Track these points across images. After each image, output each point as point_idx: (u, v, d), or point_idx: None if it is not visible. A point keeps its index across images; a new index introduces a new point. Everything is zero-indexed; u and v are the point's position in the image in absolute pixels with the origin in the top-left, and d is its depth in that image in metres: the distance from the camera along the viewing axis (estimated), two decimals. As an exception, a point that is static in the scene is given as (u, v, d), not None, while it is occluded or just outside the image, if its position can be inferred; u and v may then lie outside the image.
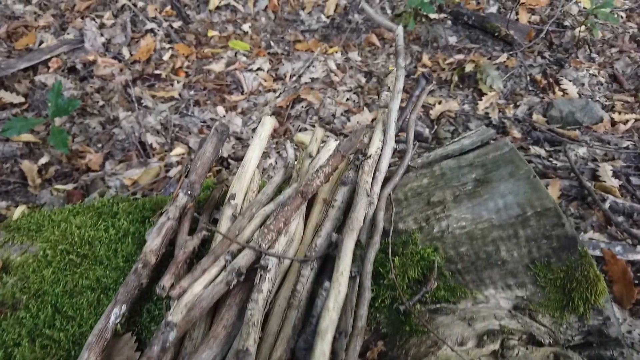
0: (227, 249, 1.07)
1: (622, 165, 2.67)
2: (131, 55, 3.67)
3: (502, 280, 1.07)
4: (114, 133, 2.99)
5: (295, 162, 1.45)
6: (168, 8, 4.07)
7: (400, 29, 1.50)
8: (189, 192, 1.22)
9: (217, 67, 3.54)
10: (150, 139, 2.90)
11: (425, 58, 3.58)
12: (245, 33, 3.92)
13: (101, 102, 3.17)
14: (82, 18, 3.90)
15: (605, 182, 2.52)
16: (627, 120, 3.02)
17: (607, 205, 2.36)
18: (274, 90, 3.38)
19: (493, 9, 3.85)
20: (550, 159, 2.73)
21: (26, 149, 2.82)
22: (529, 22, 3.76)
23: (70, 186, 2.50)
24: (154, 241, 1.10)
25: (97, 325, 0.96)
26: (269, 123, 1.43)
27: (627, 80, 3.39)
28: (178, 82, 3.42)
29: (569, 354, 0.93)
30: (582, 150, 2.78)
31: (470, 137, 1.33)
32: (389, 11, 4.00)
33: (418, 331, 1.00)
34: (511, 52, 3.50)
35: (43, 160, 2.72)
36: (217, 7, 4.13)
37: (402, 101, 1.42)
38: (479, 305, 1.04)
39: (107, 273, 1.16)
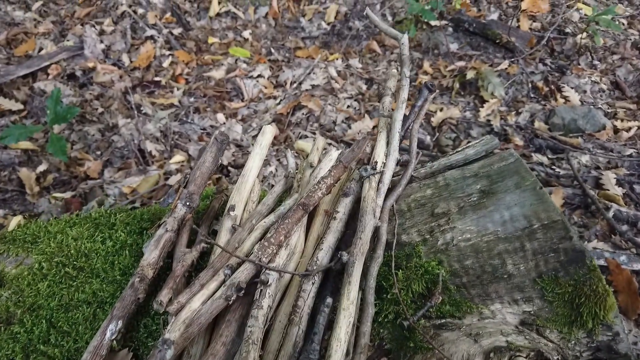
0: (226, 263, 1.04)
1: (626, 173, 2.65)
2: (131, 62, 3.66)
3: (509, 294, 1.05)
4: (113, 140, 2.96)
5: (296, 172, 1.43)
6: (168, 15, 4.06)
7: (405, 38, 1.48)
8: (188, 203, 1.19)
9: (218, 74, 3.53)
10: (150, 146, 2.88)
11: (427, 65, 3.57)
12: (246, 40, 3.91)
13: (100, 109, 3.15)
14: (82, 25, 3.89)
15: (608, 190, 2.49)
16: (630, 128, 3.00)
17: (611, 213, 2.34)
18: (275, 97, 3.37)
19: (494, 16, 3.84)
20: (553, 167, 2.71)
21: (24, 157, 2.79)
22: (530, 29, 3.74)
23: (68, 194, 2.47)
24: (151, 254, 1.07)
25: (92, 341, 0.93)
26: (269, 132, 1.40)
27: (630, 87, 3.37)
28: (178, 89, 3.40)
29: (578, 372, 0.91)
30: (585, 158, 2.76)
31: (474, 146, 1.30)
32: (389, 18, 3.99)
33: (423, 347, 0.97)
34: (512, 59, 3.49)
35: (41, 167, 2.70)
36: (218, 14, 4.12)
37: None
38: (485, 320, 1.02)
39: (103, 286, 1.13)
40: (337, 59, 3.67)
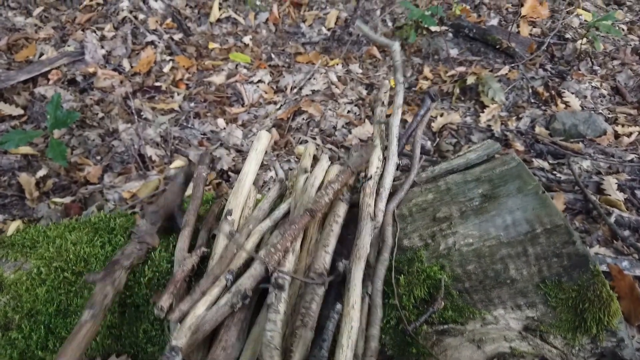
0: (226, 269, 1.03)
1: (627, 178, 2.64)
2: (131, 67, 3.66)
3: (512, 300, 1.04)
4: (113, 145, 2.96)
5: (287, 180, 1.42)
6: (169, 20, 4.07)
7: (397, 45, 1.48)
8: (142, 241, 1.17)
9: (218, 79, 3.53)
10: (150, 151, 2.87)
11: (427, 70, 3.57)
12: (246, 45, 3.91)
13: (101, 114, 3.15)
14: (83, 30, 3.89)
15: (610, 195, 2.48)
16: (631, 133, 3.00)
17: (612, 219, 2.32)
18: (275, 103, 3.36)
19: (494, 22, 3.84)
20: (554, 172, 2.70)
21: (24, 162, 2.79)
22: (530, 34, 3.75)
23: (68, 199, 2.46)
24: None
25: None
26: (264, 137, 1.40)
27: (630, 92, 3.37)
28: (178, 94, 3.40)
29: (583, 378, 0.90)
30: (586, 163, 2.75)
31: (475, 151, 1.30)
32: (390, 24, 4.00)
33: (425, 353, 0.96)
34: (513, 65, 3.49)
35: (41, 172, 2.69)
36: (218, 20, 4.13)
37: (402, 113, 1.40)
38: (488, 326, 1.01)
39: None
40: (337, 64, 3.67)
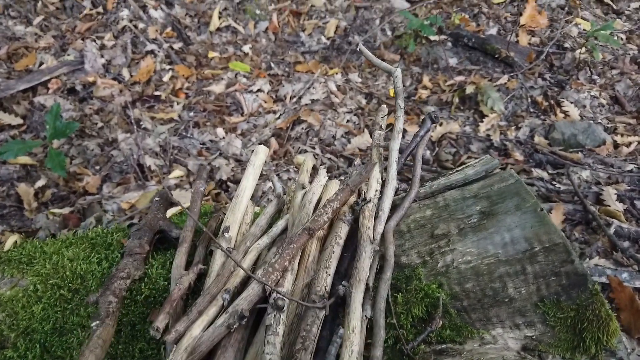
0: (223, 287, 1.03)
1: (627, 189, 2.63)
2: (131, 76, 3.67)
3: (510, 319, 1.03)
4: (112, 155, 2.96)
5: (285, 195, 1.42)
6: (169, 29, 4.08)
7: (398, 72, 1.49)
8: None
9: (217, 88, 3.53)
10: (149, 161, 2.87)
11: (426, 79, 3.57)
12: (246, 54, 3.92)
13: (100, 124, 3.15)
14: (83, 39, 3.90)
15: (609, 206, 2.48)
16: (630, 143, 3.00)
17: (612, 230, 2.32)
18: (274, 112, 3.37)
19: (493, 31, 3.85)
20: (553, 182, 2.70)
21: (23, 172, 2.78)
22: (529, 44, 3.76)
23: (66, 210, 2.46)
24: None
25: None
26: (262, 152, 1.39)
27: (629, 102, 3.37)
28: (178, 103, 3.41)
29: (582, 401, 0.89)
30: (585, 174, 2.75)
31: (474, 166, 1.29)
32: (389, 33, 4.01)
33: (423, 374, 0.96)
34: (512, 74, 3.49)
35: (40, 183, 2.69)
36: (218, 29, 4.14)
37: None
38: (487, 346, 1.00)
39: (92, 314, 1.11)
40: (336, 74, 3.67)
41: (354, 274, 1.04)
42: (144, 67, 3.72)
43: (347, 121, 3.30)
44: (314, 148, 3.09)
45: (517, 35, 3.76)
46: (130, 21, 4.07)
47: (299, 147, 3.10)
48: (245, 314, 0.94)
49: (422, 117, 3.24)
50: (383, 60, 3.85)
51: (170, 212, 1.55)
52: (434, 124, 1.39)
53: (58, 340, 1.07)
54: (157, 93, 3.50)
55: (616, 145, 3.01)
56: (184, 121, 3.26)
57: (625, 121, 3.21)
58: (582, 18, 3.92)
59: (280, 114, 3.34)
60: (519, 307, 1.03)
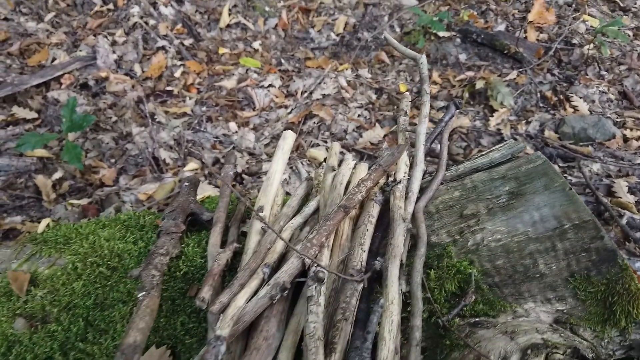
0: (261, 263, 1.06)
1: (637, 181, 2.66)
2: (143, 72, 3.69)
3: (542, 293, 1.06)
4: (127, 148, 2.99)
5: (312, 176, 1.45)
6: (179, 26, 4.11)
7: (424, 58, 1.52)
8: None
9: (229, 83, 3.56)
10: (164, 154, 2.90)
11: (436, 75, 3.60)
12: (256, 50, 3.95)
13: (114, 118, 3.18)
14: (95, 35, 3.93)
15: (621, 198, 2.51)
16: (639, 137, 3.03)
17: (624, 221, 2.35)
18: (286, 107, 3.40)
19: (501, 27, 3.88)
20: (565, 175, 2.73)
21: (40, 164, 2.81)
22: (538, 40, 3.79)
23: (84, 201, 2.49)
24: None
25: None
26: (290, 137, 1.43)
27: (637, 97, 3.40)
28: (190, 98, 3.44)
29: (616, 367, 0.92)
30: (596, 166, 2.78)
31: (499, 150, 1.32)
32: (397, 29, 4.04)
33: (459, 345, 0.98)
34: (521, 69, 3.52)
35: (57, 175, 2.71)
36: (228, 25, 4.17)
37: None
38: (520, 319, 1.03)
39: (137, 286, 1.14)
40: (346, 69, 3.70)
41: (389, 250, 1.07)
42: (155, 62, 3.74)
43: (358, 115, 3.33)
44: (326, 142, 3.12)
45: (525, 32, 3.79)
46: (141, 18, 4.09)
47: (311, 141, 3.13)
48: (287, 286, 0.96)
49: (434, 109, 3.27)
50: (392, 56, 3.89)
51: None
52: (458, 110, 1.42)
53: (100, 314, 1.10)
54: (169, 88, 3.53)
55: (626, 139, 3.03)
56: (197, 115, 3.28)
57: (634, 116, 3.24)
58: (590, 15, 3.95)
59: (292, 109, 3.37)
60: (549, 282, 1.06)
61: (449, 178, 1.31)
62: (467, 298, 1.05)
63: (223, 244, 1.22)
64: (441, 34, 3.77)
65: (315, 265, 0.97)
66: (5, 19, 4.04)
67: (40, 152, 2.83)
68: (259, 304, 0.95)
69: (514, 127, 3.18)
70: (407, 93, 1.52)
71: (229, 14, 4.19)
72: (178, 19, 4.17)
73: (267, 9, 4.24)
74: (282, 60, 3.86)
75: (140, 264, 1.18)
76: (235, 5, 4.25)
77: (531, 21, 3.89)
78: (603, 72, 3.58)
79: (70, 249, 1.23)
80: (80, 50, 3.83)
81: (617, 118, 3.22)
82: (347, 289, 0.99)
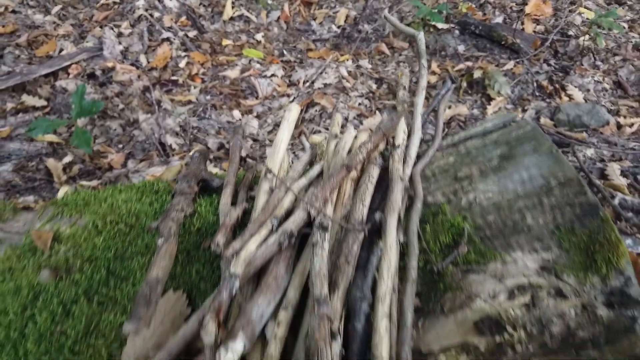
0: (270, 216, 1.14)
1: (630, 165, 2.75)
2: (148, 62, 3.78)
3: (529, 244, 1.15)
4: (134, 135, 3.07)
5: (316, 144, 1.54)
6: (183, 18, 4.20)
7: (421, 35, 1.62)
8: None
9: (232, 73, 3.65)
10: (170, 140, 2.99)
11: (434, 65, 3.68)
12: (259, 42, 4.04)
13: (121, 106, 3.27)
14: (101, 27, 4.02)
15: (613, 180, 2.59)
16: (633, 124, 3.11)
17: (616, 201, 2.43)
18: (288, 95, 3.48)
19: (499, 19, 3.97)
20: (559, 159, 2.81)
21: (50, 149, 2.90)
22: (534, 31, 3.87)
23: (95, 182, 2.57)
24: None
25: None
26: (295, 110, 1.51)
27: (632, 86, 3.48)
28: (195, 87, 3.52)
29: (595, 303, 1.00)
30: (590, 151, 2.86)
31: (492, 120, 1.41)
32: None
33: (452, 288, 1.07)
34: (518, 60, 3.61)
35: (67, 159, 2.80)
36: (231, 18, 4.26)
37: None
38: (508, 265, 1.11)
39: (153, 240, 1.23)
40: (347, 60, 3.79)
41: (388, 205, 1.15)
42: (160, 53, 3.83)
43: (359, 104, 3.41)
44: (327, 129, 3.20)
45: (522, 24, 3.88)
46: (146, 10, 4.18)
47: (313, 128, 3.21)
48: (294, 233, 1.05)
49: (430, 100, 3.35)
50: (392, 47, 3.98)
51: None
52: (454, 84, 1.50)
53: (120, 265, 1.18)
54: (174, 78, 3.61)
55: (619, 126, 3.12)
56: (202, 104, 3.37)
57: (628, 104, 3.32)
58: (586, 7, 4.04)
59: (294, 98, 3.45)
60: (536, 234, 1.15)
61: (445, 146, 1.40)
62: (460, 248, 1.13)
63: (233, 204, 1.30)
64: (440, 25, 3.85)
65: (320, 215, 1.05)
66: (13, 11, 4.14)
67: (50, 137, 2.91)
68: (268, 249, 1.04)
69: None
70: (406, 69, 1.61)
71: (232, 7, 4.28)
72: (182, 12, 4.25)
73: (269, 1, 4.32)
74: (285, 52, 3.95)
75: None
76: (238, -1, 4.34)
77: (528, 13, 3.98)
78: (598, 63, 3.67)
79: (90, 210, 1.32)
80: (87, 42, 3.92)
81: (611, 106, 3.30)
82: (349, 238, 1.08)
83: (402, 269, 1.10)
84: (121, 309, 1.10)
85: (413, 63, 3.76)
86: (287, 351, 0.97)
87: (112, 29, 4.00)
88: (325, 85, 3.54)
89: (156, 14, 4.17)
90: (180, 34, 4.03)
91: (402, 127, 1.38)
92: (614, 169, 2.66)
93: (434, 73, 3.68)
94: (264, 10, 4.28)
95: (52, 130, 2.84)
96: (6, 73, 3.48)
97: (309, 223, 1.10)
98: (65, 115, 3.23)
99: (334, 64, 3.70)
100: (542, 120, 3.19)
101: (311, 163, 1.47)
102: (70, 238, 1.25)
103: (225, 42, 4.03)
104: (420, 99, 1.43)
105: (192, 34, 4.09)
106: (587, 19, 3.96)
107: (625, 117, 3.18)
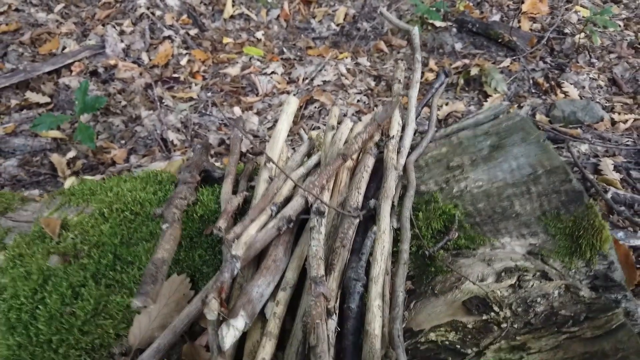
0: (269, 203, 1.19)
1: (623, 160, 2.80)
2: (150, 60, 3.84)
3: (517, 230, 1.20)
4: (136, 131, 3.13)
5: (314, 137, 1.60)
6: (184, 17, 4.25)
7: (416, 30, 1.67)
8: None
9: (233, 71, 3.70)
10: (172, 135, 3.04)
11: (432, 63, 3.74)
12: (259, 40, 4.09)
13: (123, 103, 3.32)
14: (103, 25, 4.07)
15: (607, 175, 2.64)
16: (627, 120, 3.16)
17: (609, 195, 2.48)
18: (288, 93, 3.53)
19: (496, 17, 4.02)
20: (554, 155, 2.86)
21: (54, 144, 2.95)
22: (531, 29, 3.92)
23: (98, 177, 2.62)
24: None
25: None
26: (293, 102, 1.57)
27: (626, 83, 3.54)
28: (196, 84, 3.58)
29: (578, 285, 1.05)
30: (584, 147, 2.91)
31: (484, 112, 1.46)
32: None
33: (442, 271, 1.12)
34: (514, 57, 3.66)
35: (70, 154, 2.85)
36: (231, 16, 4.31)
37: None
38: (497, 250, 1.17)
39: (159, 228, 1.28)
40: (346, 58, 3.84)
41: (382, 192, 1.20)
42: (162, 51, 3.88)
43: (358, 101, 3.46)
44: (325, 125, 3.25)
45: (519, 22, 3.93)
46: (148, 8, 4.24)
47: (312, 124, 3.27)
48: (292, 218, 1.10)
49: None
50: (390, 45, 4.03)
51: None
52: (447, 77, 1.55)
53: (126, 250, 1.23)
54: (175, 75, 3.67)
55: (613, 122, 3.17)
56: (203, 100, 3.42)
57: (623, 101, 3.38)
58: (582, 5, 4.09)
59: (294, 94, 3.51)
60: (524, 220, 1.20)
61: (438, 137, 1.45)
62: (451, 234, 1.19)
63: (234, 193, 1.35)
64: (438, 23, 3.91)
65: (317, 201, 1.11)
66: (17, 9, 4.19)
67: (54, 133, 2.97)
68: (268, 233, 1.09)
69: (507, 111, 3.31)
70: (401, 62, 1.66)
71: (233, 5, 4.33)
72: (183, 10, 4.31)
73: (269, 0, 4.37)
74: (284, 49, 4.00)
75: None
76: (238, -3, 4.39)
77: (525, 11, 4.03)
78: (594, 60, 3.72)
79: (97, 198, 1.37)
80: (90, 40, 3.97)
81: (605, 103, 3.36)
82: (345, 223, 1.13)
83: (395, 254, 1.15)
84: (128, 291, 1.15)
85: (411, 60, 3.81)
86: (285, 329, 1.03)
87: (114, 27, 4.05)
88: (325, 82, 3.59)
89: (157, 12, 4.22)
90: (182, 32, 4.09)
91: (396, 118, 1.43)
92: (607, 164, 2.72)
93: (431, 70, 3.73)
94: (264, 9, 4.33)
95: (56, 126, 2.89)
96: (10, 70, 3.54)
97: (306, 210, 1.15)
98: (68, 112, 3.28)
99: (333, 62, 3.75)
100: (538, 116, 3.24)
101: (309, 154, 1.52)
102: (77, 225, 1.31)
103: (225, 40, 4.09)
104: (414, 92, 1.49)
105: (193, 32, 4.15)
106: (583, 17, 4.01)
107: (619, 113, 3.23)
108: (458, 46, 3.87)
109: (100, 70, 3.69)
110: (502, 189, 1.24)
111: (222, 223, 1.09)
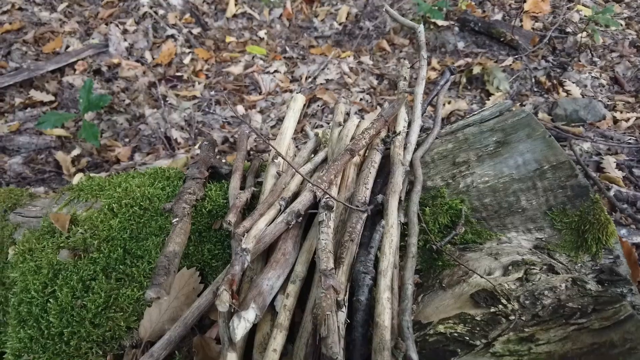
0: (278, 198, 1.21)
1: (625, 158, 2.81)
2: (153, 59, 3.85)
3: (523, 225, 1.21)
4: (141, 129, 3.14)
5: (320, 134, 1.61)
6: (187, 16, 4.26)
7: (421, 27, 1.68)
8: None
9: (236, 69, 3.71)
10: (175, 134, 3.05)
11: (435, 62, 3.75)
12: (262, 39, 4.10)
13: (127, 101, 3.33)
14: (106, 25, 4.09)
15: (609, 173, 2.66)
16: (629, 119, 3.17)
17: (612, 193, 2.49)
18: (291, 91, 3.54)
19: (498, 17, 4.03)
20: (557, 153, 2.87)
21: (58, 142, 2.96)
22: (533, 28, 3.94)
23: (103, 174, 2.64)
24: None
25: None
26: (300, 99, 1.58)
27: (628, 82, 3.55)
28: (199, 83, 3.59)
29: (585, 278, 1.06)
30: (586, 145, 2.93)
31: (489, 109, 1.47)
32: (398, 19, 4.18)
33: (450, 265, 1.13)
34: (516, 56, 3.67)
35: (75, 152, 2.87)
36: (234, 15, 4.32)
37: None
38: (503, 244, 1.18)
39: (167, 222, 1.29)
40: (349, 57, 3.85)
41: (389, 187, 1.22)
42: (165, 50, 3.90)
43: (360, 99, 3.47)
44: (329, 124, 3.27)
45: (521, 21, 3.94)
46: (151, 8, 4.25)
47: (316, 123, 3.28)
48: (301, 213, 1.11)
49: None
50: (393, 44, 4.04)
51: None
52: (452, 75, 1.57)
53: (136, 244, 1.24)
54: (179, 74, 3.68)
55: (615, 121, 3.18)
56: (206, 99, 3.44)
57: (624, 99, 3.39)
58: (583, 5, 4.10)
59: (297, 93, 3.52)
60: (530, 215, 1.21)
61: (444, 133, 1.46)
62: (457, 228, 1.20)
63: (242, 189, 1.36)
64: (440, 22, 3.92)
65: (325, 196, 1.12)
66: (20, 8, 4.20)
67: (59, 131, 2.98)
68: (277, 227, 1.10)
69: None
70: (406, 61, 1.67)
71: (235, 4, 4.35)
72: (186, 9, 4.32)
73: (272, -1, 4.39)
74: (287, 48, 4.02)
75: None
76: (241, -4, 4.40)
77: (527, 11, 4.04)
78: (595, 59, 3.73)
79: (106, 194, 1.38)
80: (93, 39, 3.98)
81: (607, 101, 3.37)
82: (353, 217, 1.14)
83: (403, 248, 1.17)
84: (138, 284, 1.16)
85: (413, 59, 3.82)
86: (294, 322, 1.04)
87: (118, 26, 4.06)
88: (327, 81, 3.60)
89: (160, 12, 4.24)
90: (185, 31, 4.10)
91: (402, 115, 1.44)
92: (609, 162, 2.73)
93: (434, 69, 3.74)
94: (266, 8, 4.34)
95: (61, 124, 2.90)
96: (14, 69, 3.55)
97: (315, 205, 1.16)
98: (72, 110, 3.30)
99: (336, 61, 3.77)
100: (540, 115, 3.25)
101: (315, 151, 1.53)
102: (87, 220, 1.32)
103: (228, 39, 4.10)
104: (420, 89, 1.50)
105: (196, 31, 4.16)
106: (585, 16, 4.02)
107: (621, 112, 3.24)
108: (460, 45, 3.88)
109: (104, 69, 3.70)
110: (508, 185, 1.25)
111: (231, 217, 1.11)
